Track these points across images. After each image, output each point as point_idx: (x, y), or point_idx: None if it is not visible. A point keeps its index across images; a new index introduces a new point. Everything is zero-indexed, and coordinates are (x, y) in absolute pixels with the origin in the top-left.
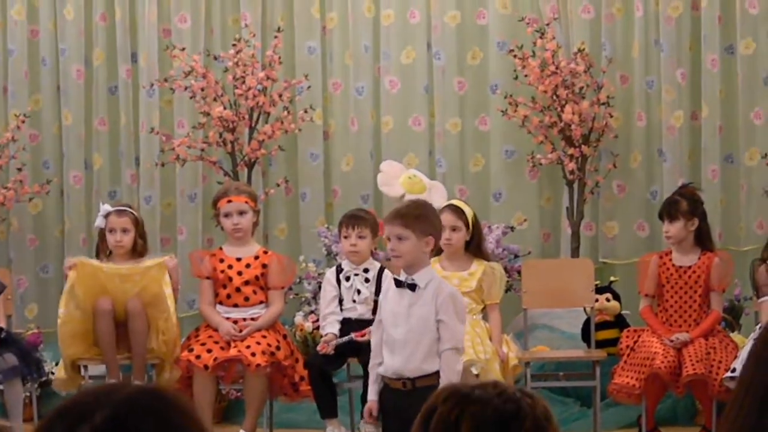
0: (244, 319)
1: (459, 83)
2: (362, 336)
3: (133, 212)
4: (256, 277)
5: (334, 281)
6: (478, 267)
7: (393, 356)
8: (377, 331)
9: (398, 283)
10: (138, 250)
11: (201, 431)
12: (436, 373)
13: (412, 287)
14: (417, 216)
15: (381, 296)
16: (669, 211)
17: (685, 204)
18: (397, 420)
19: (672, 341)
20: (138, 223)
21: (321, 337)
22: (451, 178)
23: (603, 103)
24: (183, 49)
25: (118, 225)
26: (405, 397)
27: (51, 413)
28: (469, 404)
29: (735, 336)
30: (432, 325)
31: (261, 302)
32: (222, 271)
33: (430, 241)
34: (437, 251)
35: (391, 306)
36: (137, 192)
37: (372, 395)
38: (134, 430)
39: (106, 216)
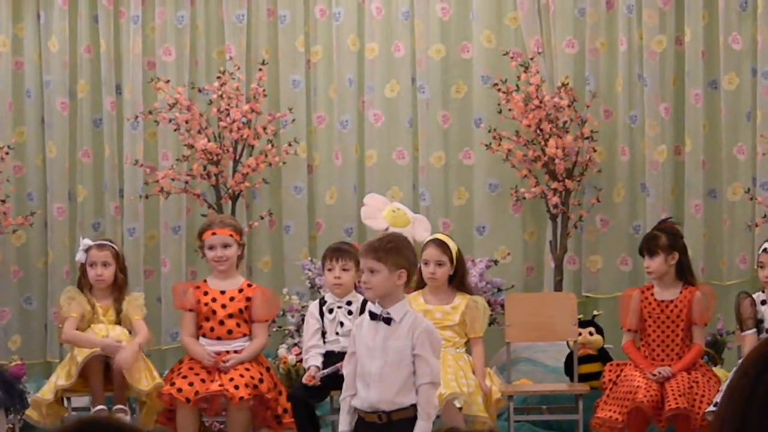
0: (228, 352)
1: (443, 117)
2: None
3: (114, 246)
4: (240, 310)
5: (317, 314)
6: (461, 300)
7: (368, 390)
8: (350, 362)
9: (373, 316)
10: (118, 284)
11: None
12: (413, 407)
13: (388, 321)
14: (389, 249)
15: (354, 328)
16: (648, 246)
17: (664, 239)
18: None
19: (654, 375)
20: (119, 257)
21: (304, 369)
22: (434, 211)
23: (587, 138)
24: (167, 81)
25: (98, 259)
26: (381, 431)
27: None
28: None
29: (717, 370)
30: (408, 359)
31: (245, 335)
32: (206, 304)
33: (402, 274)
34: (420, 284)
35: (366, 339)
36: (121, 224)
37: (345, 426)
38: None
39: (87, 250)
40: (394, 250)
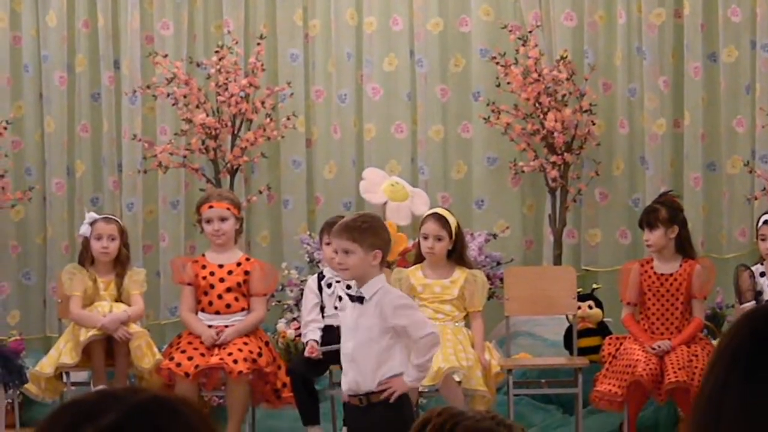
0: (226, 326)
1: (441, 90)
2: None
3: (119, 221)
4: (238, 284)
5: (315, 288)
6: (460, 275)
7: (347, 372)
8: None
9: (350, 298)
10: (121, 260)
11: None
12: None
13: (360, 300)
14: (364, 229)
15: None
16: (648, 219)
17: (664, 212)
18: None
19: (654, 349)
20: (123, 233)
21: (303, 344)
22: (433, 185)
23: (585, 111)
24: (165, 55)
25: (105, 232)
26: (363, 415)
27: (62, 405)
28: (464, 419)
29: (717, 342)
30: (377, 335)
31: (243, 309)
32: (204, 278)
33: (377, 254)
34: (419, 258)
35: (345, 320)
36: (120, 199)
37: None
38: None
39: (93, 223)
40: (369, 230)
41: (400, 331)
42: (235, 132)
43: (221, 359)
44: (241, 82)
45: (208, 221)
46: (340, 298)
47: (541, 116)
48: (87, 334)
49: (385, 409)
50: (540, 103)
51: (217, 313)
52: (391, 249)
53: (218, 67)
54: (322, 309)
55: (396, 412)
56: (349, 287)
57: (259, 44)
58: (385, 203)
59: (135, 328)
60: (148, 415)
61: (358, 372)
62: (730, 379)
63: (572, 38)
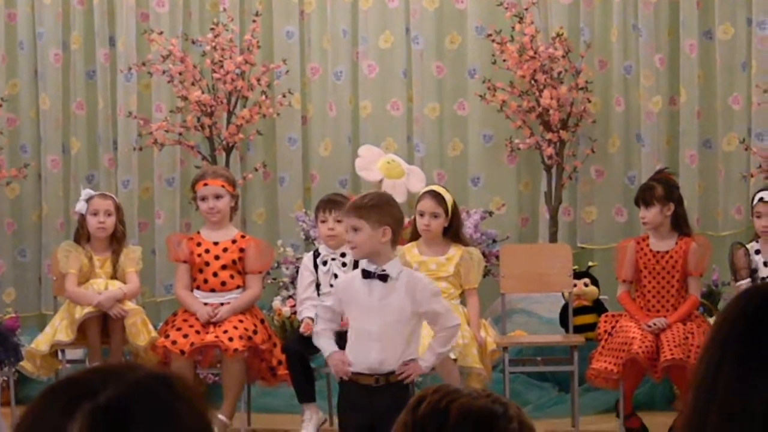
0: (221, 304)
1: (437, 68)
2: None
3: (115, 198)
4: (234, 262)
5: (311, 266)
6: (455, 252)
7: (368, 351)
8: (327, 314)
9: (366, 274)
10: (117, 237)
11: (204, 427)
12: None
13: (383, 278)
14: (371, 207)
15: (339, 286)
16: (644, 197)
17: (660, 189)
18: (362, 415)
19: (650, 326)
20: (119, 210)
21: (299, 321)
22: (429, 162)
23: (581, 88)
24: (161, 33)
25: (102, 207)
26: (373, 394)
27: (58, 382)
28: (460, 397)
29: (713, 321)
30: (406, 317)
31: (238, 287)
32: (199, 255)
33: (386, 231)
34: (415, 236)
35: (359, 299)
36: (115, 176)
37: (333, 346)
38: (136, 417)
39: (89, 200)
40: (376, 207)
41: (430, 317)
42: (231, 109)
43: (216, 337)
44: (237, 59)
45: (203, 199)
46: (336, 276)
47: (537, 93)
48: (82, 311)
49: (398, 390)
50: (536, 81)
51: (213, 290)
52: (403, 227)
53: (214, 44)
54: (318, 286)
55: (404, 394)
56: (344, 265)
57: (254, 21)
58: (381, 180)
59: (130, 305)
60: (147, 391)
61: (382, 350)
62: (723, 359)
63: (568, 15)
